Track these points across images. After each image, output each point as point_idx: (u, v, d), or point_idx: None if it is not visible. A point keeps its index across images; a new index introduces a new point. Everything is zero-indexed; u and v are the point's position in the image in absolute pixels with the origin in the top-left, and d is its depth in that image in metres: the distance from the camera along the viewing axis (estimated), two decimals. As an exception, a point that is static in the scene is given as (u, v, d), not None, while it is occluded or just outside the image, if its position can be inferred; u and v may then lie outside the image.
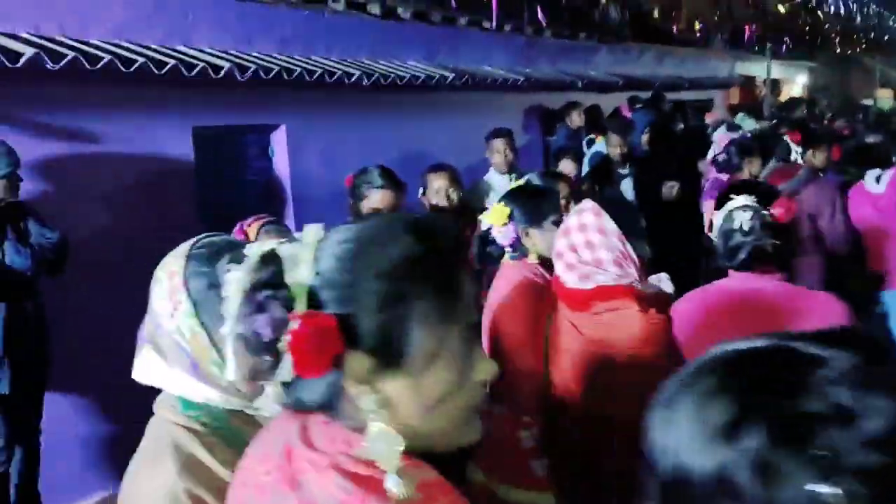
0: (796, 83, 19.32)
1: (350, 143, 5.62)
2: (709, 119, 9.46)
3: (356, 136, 5.70)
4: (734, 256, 2.05)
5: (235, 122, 5.07)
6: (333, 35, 5.84)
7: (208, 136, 4.92)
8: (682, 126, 8.42)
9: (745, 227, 2.01)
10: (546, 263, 2.44)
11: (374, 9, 6.32)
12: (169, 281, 1.28)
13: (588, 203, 2.17)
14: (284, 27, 5.45)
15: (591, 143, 7.65)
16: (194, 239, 1.36)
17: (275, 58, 5.10)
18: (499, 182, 5.18)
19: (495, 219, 2.49)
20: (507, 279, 2.46)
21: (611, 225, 2.09)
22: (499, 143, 5.33)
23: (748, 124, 8.15)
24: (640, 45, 11.19)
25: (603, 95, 9.33)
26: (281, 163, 5.47)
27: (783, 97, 17.17)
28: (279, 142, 5.43)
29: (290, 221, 5.03)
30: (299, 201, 5.40)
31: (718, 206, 2.14)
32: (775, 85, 15.12)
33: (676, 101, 10.19)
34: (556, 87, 8.37)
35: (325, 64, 5.37)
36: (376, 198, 3.29)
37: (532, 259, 2.53)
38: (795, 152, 5.39)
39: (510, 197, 2.61)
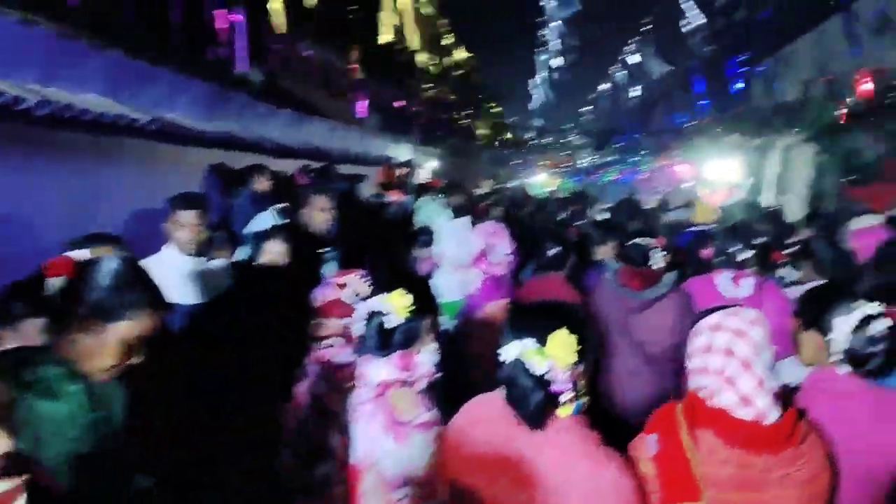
0: (426, 167, 21.22)
1: None
2: (393, 196, 9.49)
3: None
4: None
5: None
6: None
7: None
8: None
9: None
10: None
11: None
12: None
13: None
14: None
15: (284, 211, 7.09)
16: None
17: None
18: (179, 265, 3.94)
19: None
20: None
21: None
22: (190, 217, 4.01)
23: (433, 205, 8.12)
24: (312, 115, 11.07)
25: (276, 160, 8.87)
26: None
27: (417, 179, 18.55)
28: None
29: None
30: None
31: None
32: (412, 167, 16.27)
33: (350, 174, 10.21)
34: (239, 147, 7.67)
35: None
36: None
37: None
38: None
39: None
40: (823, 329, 2.25)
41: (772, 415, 1.92)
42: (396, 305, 2.19)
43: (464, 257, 4.33)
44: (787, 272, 4.65)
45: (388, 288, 2.24)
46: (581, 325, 1.98)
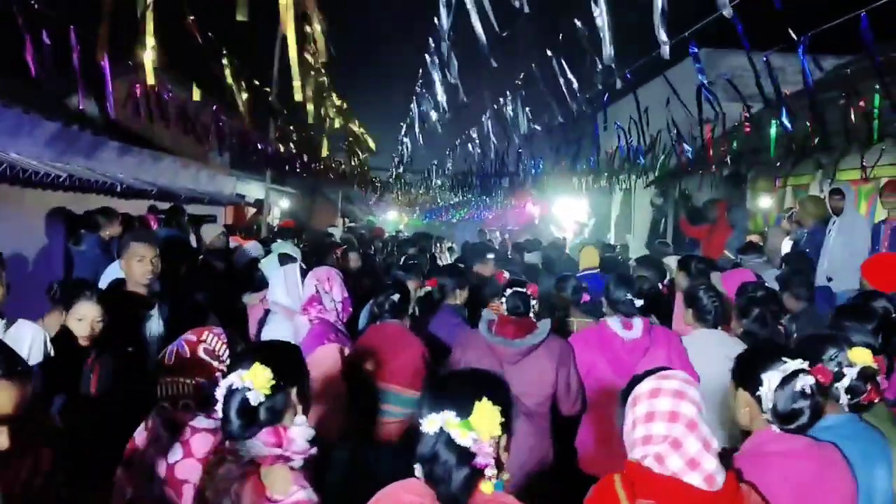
0: (278, 206, 20.69)
1: None
2: (248, 245, 9.03)
3: None
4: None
5: None
6: None
7: None
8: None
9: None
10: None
11: None
12: None
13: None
14: None
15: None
16: None
17: None
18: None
19: None
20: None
21: None
22: (144, 249, 3.87)
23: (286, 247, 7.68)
24: (159, 152, 10.50)
25: (124, 201, 8.32)
26: None
27: (270, 219, 18.04)
28: None
29: None
30: None
31: None
32: (263, 207, 15.85)
33: (193, 216, 9.74)
34: (83, 188, 7.11)
35: None
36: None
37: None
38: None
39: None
40: (752, 388, 2.29)
41: (719, 477, 1.91)
42: (257, 381, 2.04)
43: (293, 304, 4.24)
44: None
45: (247, 360, 2.11)
46: (502, 393, 1.91)
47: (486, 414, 1.80)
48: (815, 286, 5.38)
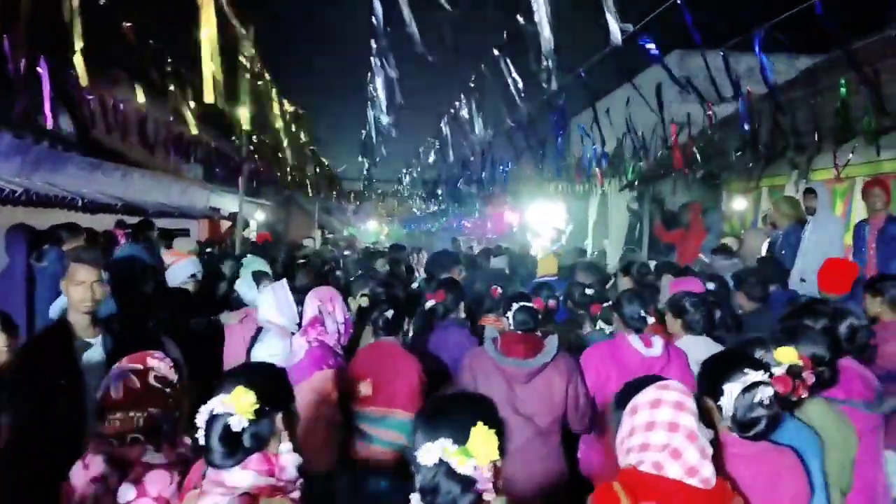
0: (254, 219, 20.50)
1: None
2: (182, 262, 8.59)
3: None
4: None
5: None
6: None
7: None
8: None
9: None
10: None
11: None
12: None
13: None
14: None
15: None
16: None
17: None
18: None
19: None
20: None
21: None
22: (85, 273, 3.38)
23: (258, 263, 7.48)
24: (126, 166, 10.31)
25: (88, 216, 8.12)
26: None
27: (247, 232, 17.83)
28: None
29: None
30: None
31: None
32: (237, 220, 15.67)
33: (164, 230, 9.53)
34: (45, 204, 6.92)
35: None
36: None
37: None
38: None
39: None
40: (714, 397, 2.36)
41: (714, 479, 1.99)
42: (239, 405, 1.93)
43: (288, 322, 4.13)
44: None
45: (229, 383, 2.00)
46: (495, 416, 1.87)
47: (483, 439, 1.76)
48: (770, 287, 5.32)
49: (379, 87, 6.21)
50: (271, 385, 2.09)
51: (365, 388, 3.68)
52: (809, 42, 9.43)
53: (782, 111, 6.57)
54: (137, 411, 2.33)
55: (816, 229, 6.60)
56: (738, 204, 10.51)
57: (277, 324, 4.17)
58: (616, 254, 12.31)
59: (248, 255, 7.92)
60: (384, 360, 3.77)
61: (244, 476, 1.92)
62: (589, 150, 11.61)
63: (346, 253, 13.43)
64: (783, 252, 7.03)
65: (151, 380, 2.39)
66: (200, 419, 1.97)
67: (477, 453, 1.74)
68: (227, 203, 16.85)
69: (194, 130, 6.13)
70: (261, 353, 4.19)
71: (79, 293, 3.32)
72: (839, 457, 2.72)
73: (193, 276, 5.58)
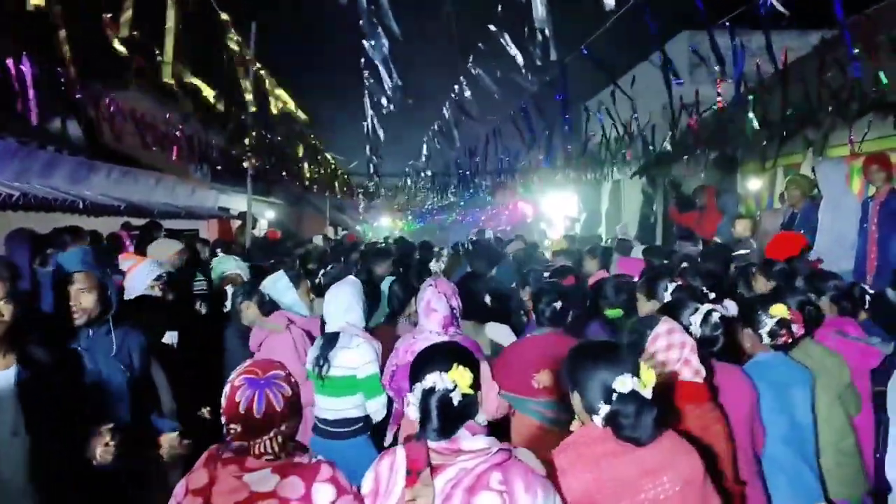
0: (265, 218, 20.46)
1: None
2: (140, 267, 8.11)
3: None
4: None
5: None
6: None
7: None
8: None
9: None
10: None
11: None
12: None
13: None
14: None
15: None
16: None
17: None
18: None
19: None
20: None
21: None
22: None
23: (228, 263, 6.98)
24: (134, 168, 10.24)
25: (92, 219, 8.04)
26: None
27: (257, 231, 17.76)
28: None
29: None
30: None
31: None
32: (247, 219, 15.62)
33: (172, 231, 9.46)
34: (45, 207, 6.84)
35: None
36: None
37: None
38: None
39: None
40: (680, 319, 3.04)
41: (703, 372, 2.75)
42: (462, 380, 2.15)
43: (357, 321, 4.06)
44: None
45: (440, 361, 2.19)
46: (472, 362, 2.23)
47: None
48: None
49: (377, 61, 6.10)
50: (475, 363, 2.28)
51: (544, 379, 3.58)
52: (820, 18, 9.18)
53: (787, 87, 6.42)
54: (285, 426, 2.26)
55: (829, 208, 6.45)
56: (754, 185, 10.27)
57: (354, 323, 4.05)
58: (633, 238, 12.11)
59: (220, 255, 7.40)
60: (552, 347, 3.59)
61: (477, 441, 2.08)
62: (599, 132, 11.41)
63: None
64: (801, 231, 6.85)
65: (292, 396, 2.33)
66: (412, 397, 2.17)
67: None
68: (237, 202, 16.79)
69: (169, 78, 5.62)
70: (349, 359, 3.93)
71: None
72: (834, 382, 3.48)
73: (159, 278, 4.70)
